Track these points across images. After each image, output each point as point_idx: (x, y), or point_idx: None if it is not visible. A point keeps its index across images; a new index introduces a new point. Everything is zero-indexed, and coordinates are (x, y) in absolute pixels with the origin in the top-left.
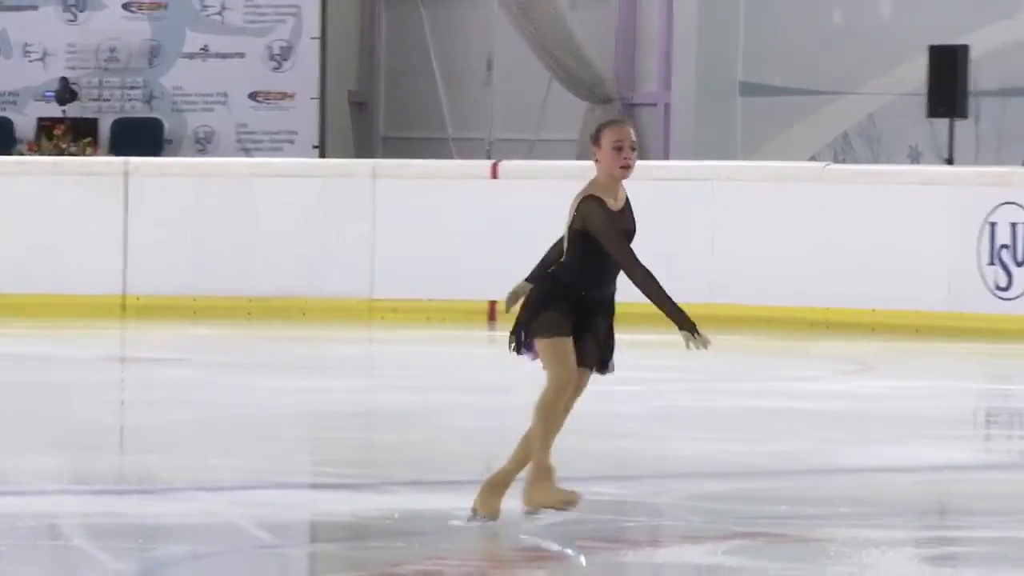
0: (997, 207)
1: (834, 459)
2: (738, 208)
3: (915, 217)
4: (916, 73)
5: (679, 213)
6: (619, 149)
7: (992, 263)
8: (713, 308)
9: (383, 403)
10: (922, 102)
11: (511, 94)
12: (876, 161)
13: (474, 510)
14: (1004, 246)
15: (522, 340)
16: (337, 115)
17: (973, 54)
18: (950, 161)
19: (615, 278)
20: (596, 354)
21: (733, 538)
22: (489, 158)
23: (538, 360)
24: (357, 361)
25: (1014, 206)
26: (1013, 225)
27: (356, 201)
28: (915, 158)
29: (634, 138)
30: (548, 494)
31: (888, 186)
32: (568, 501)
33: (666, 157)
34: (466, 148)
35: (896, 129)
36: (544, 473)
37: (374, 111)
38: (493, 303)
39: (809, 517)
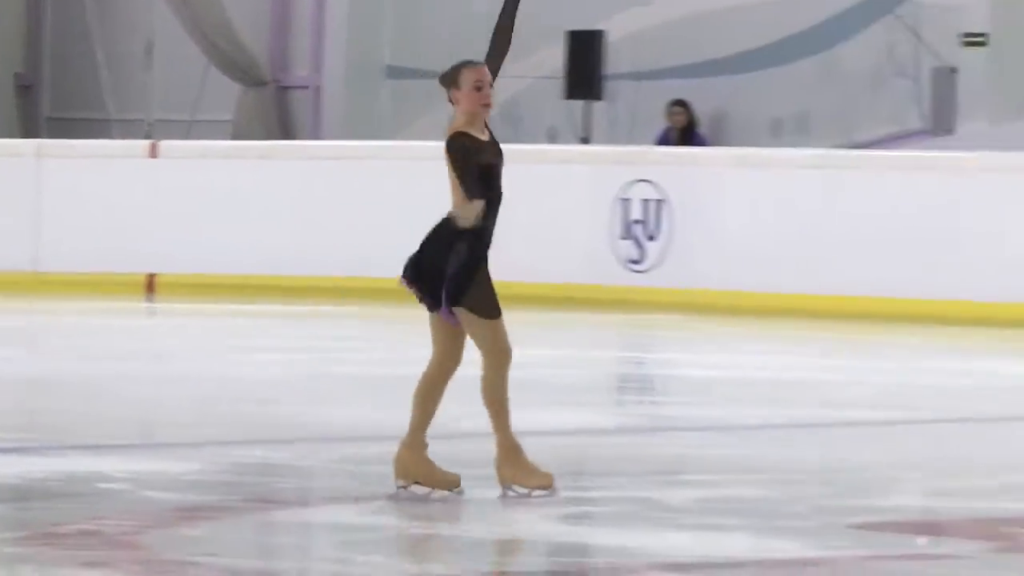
0: (630, 184)
1: (478, 424)
2: (387, 186)
3: (553, 194)
4: (554, 57)
5: (329, 190)
6: (479, 88)
7: (626, 238)
8: (327, 280)
9: (47, 371)
10: (560, 85)
11: (170, 77)
12: (517, 141)
13: (404, 484)
14: (637, 221)
15: (444, 297)
16: (3, 97)
17: (608, 39)
18: (586, 141)
19: (499, 205)
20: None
21: (380, 499)
22: (149, 138)
23: (449, 318)
24: (22, 331)
25: (646, 183)
26: (645, 201)
27: (22, 180)
28: (553, 138)
29: (490, 76)
30: (528, 475)
31: (528, 165)
32: (543, 486)
33: (318, 137)
34: (127, 129)
35: (536, 110)
36: (516, 451)
37: (39, 93)
38: (152, 276)
39: None
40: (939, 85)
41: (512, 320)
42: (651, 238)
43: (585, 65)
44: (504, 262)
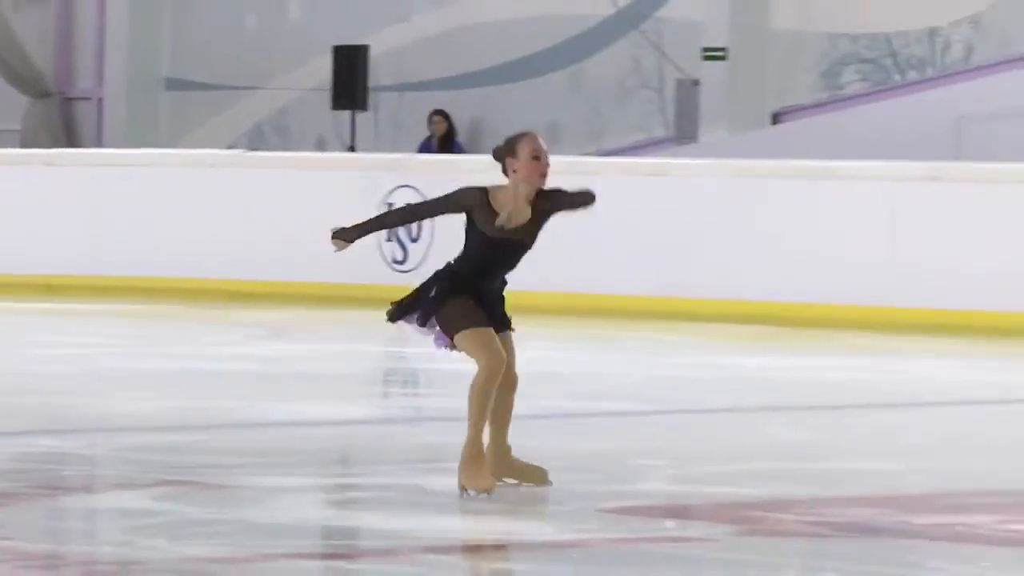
0: (394, 189)
1: (251, 415)
2: (165, 192)
3: (321, 199)
4: (322, 70)
5: (111, 196)
6: (537, 158)
7: (390, 239)
8: (111, 280)
9: None
10: (327, 96)
11: None
12: (287, 149)
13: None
14: None
15: (426, 324)
16: None
17: (372, 53)
18: (353, 149)
19: (502, 272)
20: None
21: (161, 485)
22: None
23: (446, 349)
24: None
25: (409, 188)
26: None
27: None
28: (321, 146)
29: (545, 146)
30: (471, 476)
31: (298, 171)
32: (480, 488)
33: (100, 145)
34: None
35: (304, 120)
36: (478, 454)
37: None
38: None
39: (229, 466)
40: (682, 96)
41: (283, 317)
42: (414, 240)
43: (351, 78)
44: (270, 263)
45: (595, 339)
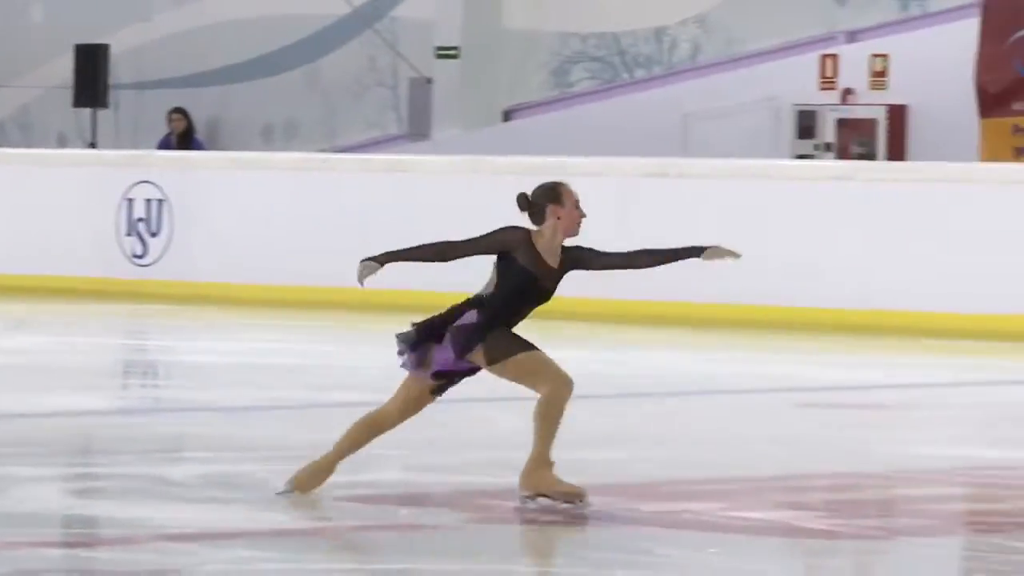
0: (134, 185)
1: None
2: None
3: (63, 194)
4: (64, 69)
5: None
6: (578, 206)
7: (130, 234)
8: None
9: None
10: (69, 94)
11: None
12: (29, 146)
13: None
14: (140, 219)
15: (464, 356)
16: None
17: (113, 52)
18: (94, 145)
19: (523, 316)
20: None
21: None
22: None
23: (416, 369)
24: None
25: (149, 184)
26: (148, 201)
27: None
28: (63, 143)
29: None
30: (552, 483)
31: (40, 167)
32: (572, 493)
33: None
34: None
35: (46, 118)
36: (548, 463)
37: None
38: None
39: None
40: (415, 94)
41: (23, 310)
42: (153, 235)
43: (92, 76)
44: (11, 257)
45: (332, 332)
